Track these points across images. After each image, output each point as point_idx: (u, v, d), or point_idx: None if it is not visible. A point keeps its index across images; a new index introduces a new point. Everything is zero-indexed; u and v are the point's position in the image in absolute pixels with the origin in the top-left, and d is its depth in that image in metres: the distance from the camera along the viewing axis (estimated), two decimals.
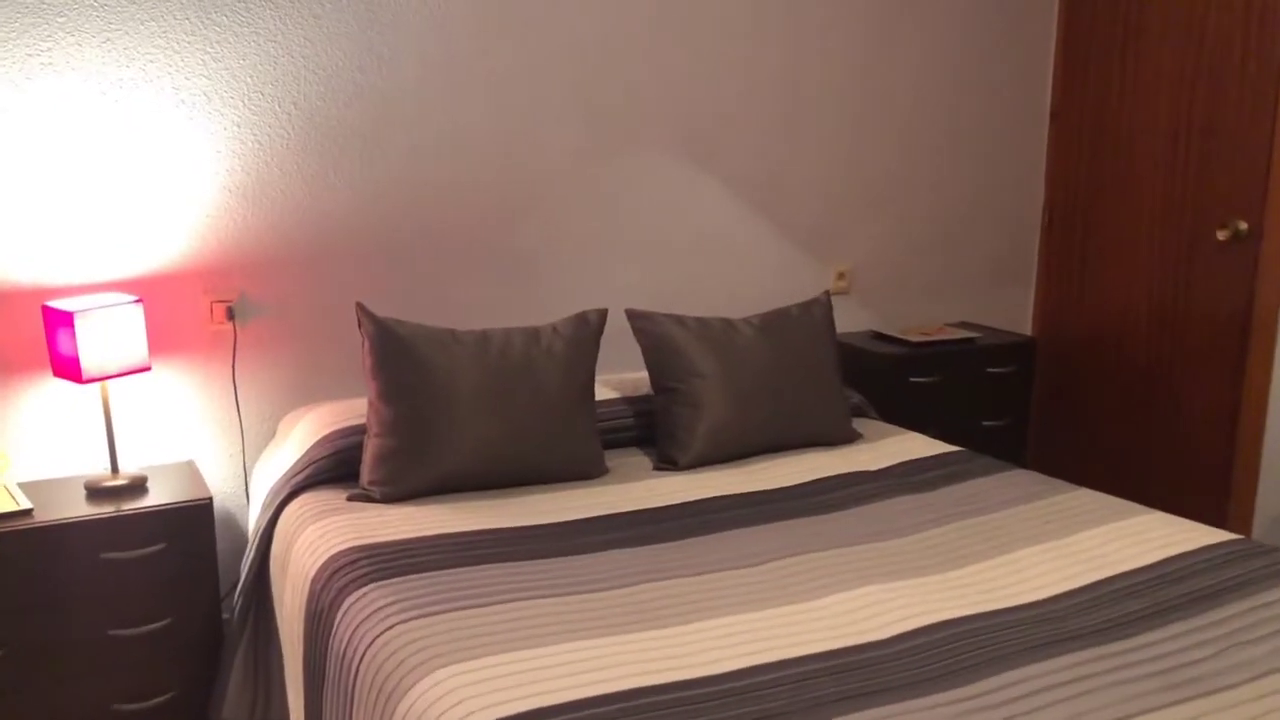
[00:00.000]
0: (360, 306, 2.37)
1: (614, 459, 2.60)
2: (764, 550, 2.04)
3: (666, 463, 2.58)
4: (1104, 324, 3.66)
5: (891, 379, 3.27)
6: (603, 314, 2.57)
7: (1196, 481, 3.40)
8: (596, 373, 2.72)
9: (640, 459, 2.62)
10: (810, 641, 1.67)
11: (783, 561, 1.99)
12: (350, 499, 2.29)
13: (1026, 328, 3.90)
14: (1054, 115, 3.77)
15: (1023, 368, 3.49)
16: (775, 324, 2.77)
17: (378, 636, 1.70)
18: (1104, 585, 1.89)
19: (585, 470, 2.45)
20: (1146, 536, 2.10)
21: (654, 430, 2.67)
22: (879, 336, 3.47)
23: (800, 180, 3.38)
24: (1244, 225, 3.21)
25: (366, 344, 2.33)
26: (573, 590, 1.85)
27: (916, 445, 2.73)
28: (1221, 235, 3.24)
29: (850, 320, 3.55)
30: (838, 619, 1.76)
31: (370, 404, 2.34)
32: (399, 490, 2.29)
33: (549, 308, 3.03)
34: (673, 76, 3.10)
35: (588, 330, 2.53)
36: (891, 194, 3.55)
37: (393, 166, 2.78)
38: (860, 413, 3.01)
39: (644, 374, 2.83)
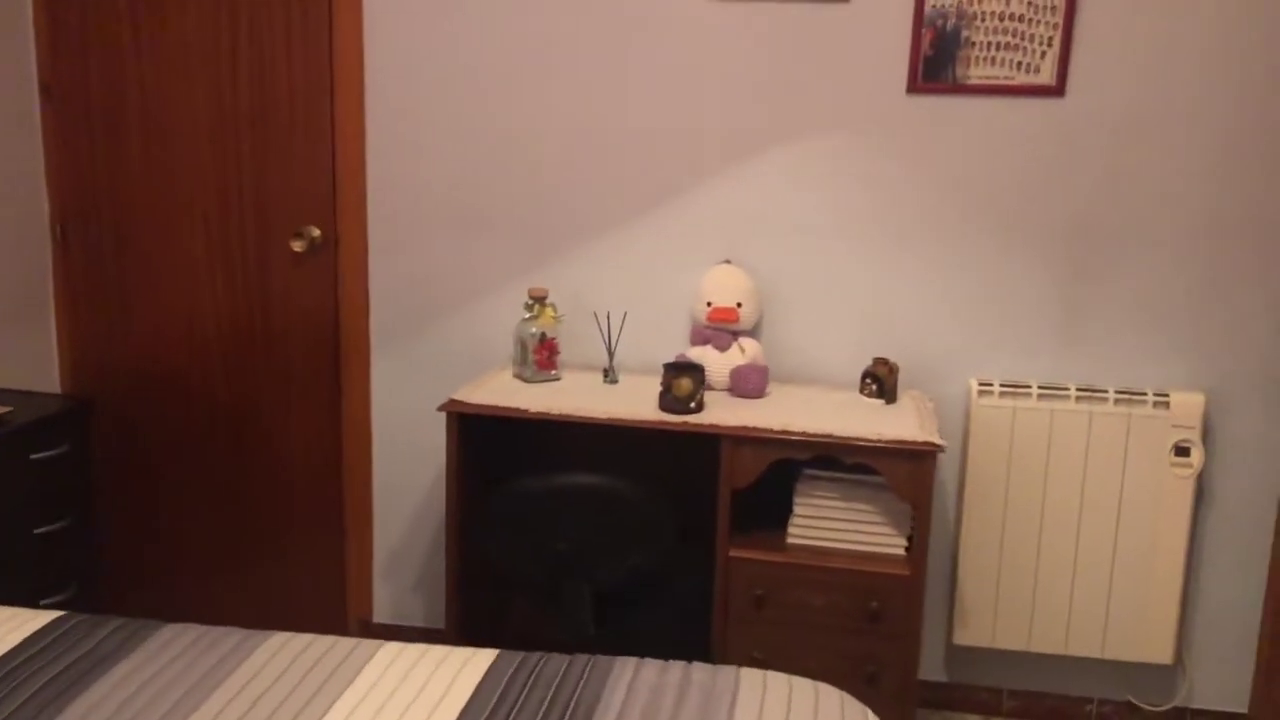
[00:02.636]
0: None
1: None
2: None
3: None
4: (167, 364, 2.88)
5: None
6: None
7: (313, 526, 2.91)
8: None
9: None
10: None
11: None
12: None
13: (55, 383, 2.89)
14: (47, 91, 2.80)
15: (79, 443, 2.54)
16: None
17: None
18: None
19: None
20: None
21: None
22: None
23: None
24: (318, 233, 2.77)
25: None
26: None
27: None
28: (297, 246, 2.75)
29: None
30: None
31: None
32: None
33: None
34: None
35: None
36: None
37: None
38: None
39: None
